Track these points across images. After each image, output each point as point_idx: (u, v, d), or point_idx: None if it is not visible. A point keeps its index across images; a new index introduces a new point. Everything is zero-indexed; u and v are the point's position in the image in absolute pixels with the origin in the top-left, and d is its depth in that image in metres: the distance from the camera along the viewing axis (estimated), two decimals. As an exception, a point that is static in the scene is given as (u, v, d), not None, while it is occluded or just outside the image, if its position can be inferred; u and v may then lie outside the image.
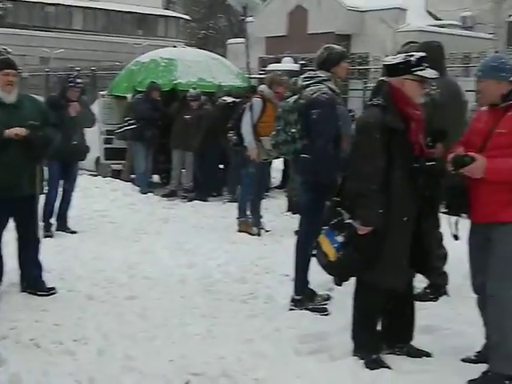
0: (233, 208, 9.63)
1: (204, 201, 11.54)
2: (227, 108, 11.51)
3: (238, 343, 5.11)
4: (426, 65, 4.61)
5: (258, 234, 9.04)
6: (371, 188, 4.45)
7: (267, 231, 9.15)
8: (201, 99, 12.02)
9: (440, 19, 31.53)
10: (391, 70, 4.68)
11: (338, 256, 4.65)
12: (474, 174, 4.40)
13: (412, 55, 4.64)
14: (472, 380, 4.47)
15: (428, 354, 4.92)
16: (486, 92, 4.61)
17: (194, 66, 13.17)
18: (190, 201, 11.59)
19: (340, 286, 4.91)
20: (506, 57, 4.73)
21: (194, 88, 12.16)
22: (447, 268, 6.32)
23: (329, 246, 4.71)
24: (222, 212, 10.48)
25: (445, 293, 6.28)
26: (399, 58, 4.67)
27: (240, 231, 9.04)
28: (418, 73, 4.55)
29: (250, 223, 9.18)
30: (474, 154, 4.41)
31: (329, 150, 5.65)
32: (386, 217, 4.50)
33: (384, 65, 4.87)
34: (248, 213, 9.24)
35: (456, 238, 4.70)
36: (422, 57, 4.63)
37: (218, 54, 16.85)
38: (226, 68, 14.04)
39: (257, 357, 4.86)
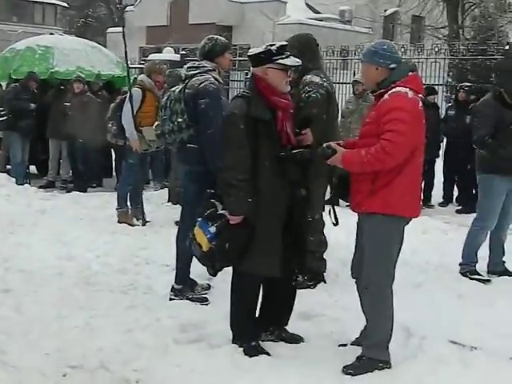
0: (112, 199, 9.50)
1: (83, 191, 11.33)
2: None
3: (117, 334, 5.04)
4: (288, 53, 4.67)
5: (143, 224, 8.97)
6: (238, 177, 4.52)
7: (147, 222, 9.08)
8: (85, 85, 11.82)
9: (319, 12, 32.12)
10: (254, 60, 4.73)
11: (210, 246, 4.70)
12: (334, 164, 4.49)
13: (273, 45, 4.69)
14: (347, 365, 4.59)
15: (301, 338, 5.01)
16: (365, 76, 4.71)
17: (71, 55, 12.93)
18: (69, 192, 11.37)
19: (214, 276, 4.96)
20: (390, 44, 4.69)
21: (79, 75, 11.94)
22: (327, 254, 6.47)
23: (202, 236, 4.75)
24: (102, 203, 10.31)
25: (322, 279, 6.43)
26: (261, 49, 4.71)
27: (120, 222, 8.93)
28: (280, 61, 4.60)
29: (130, 214, 9.08)
30: (335, 145, 4.51)
31: (217, 139, 5.64)
32: (256, 205, 4.56)
33: (247, 56, 4.91)
34: (128, 203, 9.14)
35: (335, 224, 4.79)
36: (283, 45, 4.69)
37: (97, 42, 16.54)
38: (106, 57, 13.84)
39: (136, 348, 4.81)
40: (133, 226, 8.87)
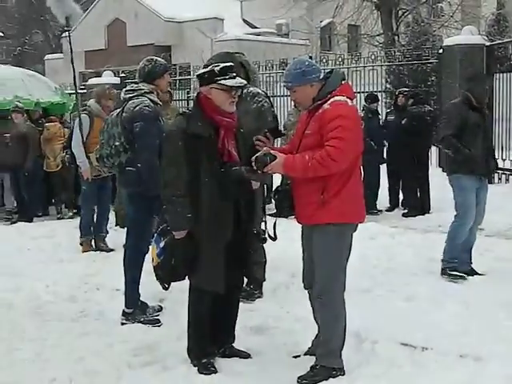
0: (59, 227, 9.40)
1: (29, 221, 11.20)
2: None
3: (70, 363, 4.98)
4: (233, 74, 4.72)
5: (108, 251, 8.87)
6: (176, 193, 4.58)
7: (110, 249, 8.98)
8: (24, 115, 11.71)
9: (256, 27, 32.36)
10: (200, 79, 4.79)
11: (158, 261, 4.80)
12: (274, 170, 4.48)
13: (217, 65, 4.73)
14: (301, 375, 4.61)
15: (248, 355, 5.02)
16: (302, 98, 4.63)
17: (8, 84, 12.80)
18: (14, 223, 11.22)
19: (166, 289, 4.97)
20: (307, 59, 4.81)
21: (18, 104, 11.81)
22: (276, 267, 6.50)
23: (154, 251, 4.86)
24: (49, 231, 10.18)
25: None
26: (206, 69, 4.77)
27: (84, 251, 8.81)
28: (222, 82, 4.66)
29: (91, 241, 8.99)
30: (275, 151, 4.51)
31: (154, 162, 5.64)
32: (199, 221, 4.60)
33: (196, 75, 4.98)
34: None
35: (273, 239, 4.83)
36: (227, 66, 4.72)
37: (36, 70, 16.44)
38: (44, 84, 13.76)
39: (89, 375, 4.76)
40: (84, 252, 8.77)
